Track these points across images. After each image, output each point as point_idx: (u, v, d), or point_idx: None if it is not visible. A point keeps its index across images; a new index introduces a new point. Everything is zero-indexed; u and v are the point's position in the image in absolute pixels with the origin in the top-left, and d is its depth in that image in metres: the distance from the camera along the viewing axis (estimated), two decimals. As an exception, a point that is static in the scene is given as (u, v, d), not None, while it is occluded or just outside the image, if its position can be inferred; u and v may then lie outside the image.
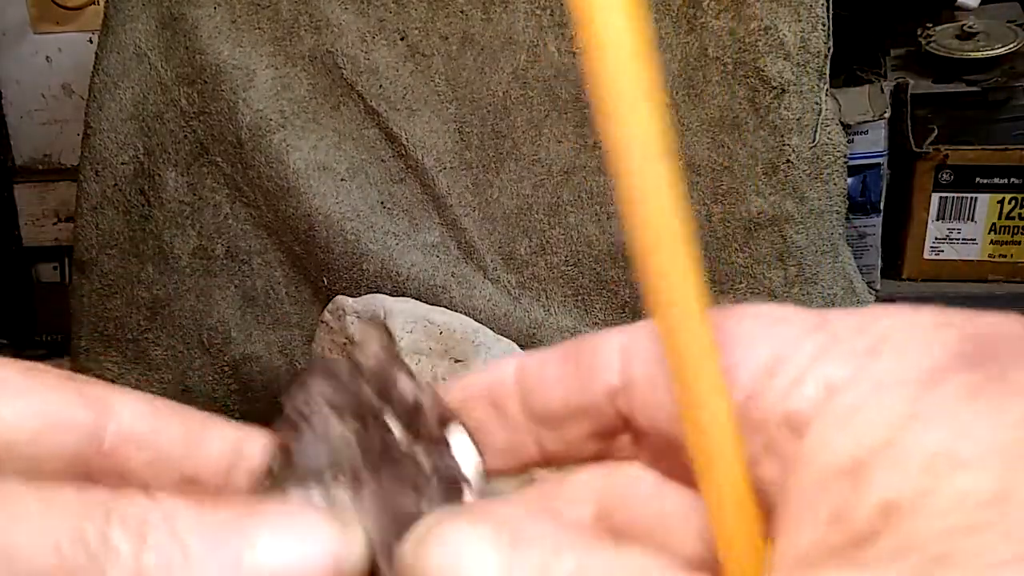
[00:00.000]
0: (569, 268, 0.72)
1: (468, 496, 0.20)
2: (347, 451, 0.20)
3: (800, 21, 0.67)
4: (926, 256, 0.79)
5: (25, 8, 0.98)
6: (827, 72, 0.67)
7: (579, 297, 0.72)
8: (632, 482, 0.19)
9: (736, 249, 0.69)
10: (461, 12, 0.71)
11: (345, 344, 0.67)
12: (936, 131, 0.76)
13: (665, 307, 0.16)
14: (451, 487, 0.20)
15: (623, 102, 0.16)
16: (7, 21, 0.99)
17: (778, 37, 0.67)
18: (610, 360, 0.19)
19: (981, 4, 0.81)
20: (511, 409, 0.20)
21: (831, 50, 0.67)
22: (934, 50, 0.77)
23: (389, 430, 0.20)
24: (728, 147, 0.68)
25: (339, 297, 0.69)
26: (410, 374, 0.21)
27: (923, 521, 0.13)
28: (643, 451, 0.19)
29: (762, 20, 0.67)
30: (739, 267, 0.69)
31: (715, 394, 0.16)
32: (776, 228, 0.68)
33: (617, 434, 0.19)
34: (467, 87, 0.72)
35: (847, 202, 0.70)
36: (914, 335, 0.15)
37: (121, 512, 0.16)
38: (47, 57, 1.00)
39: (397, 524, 0.19)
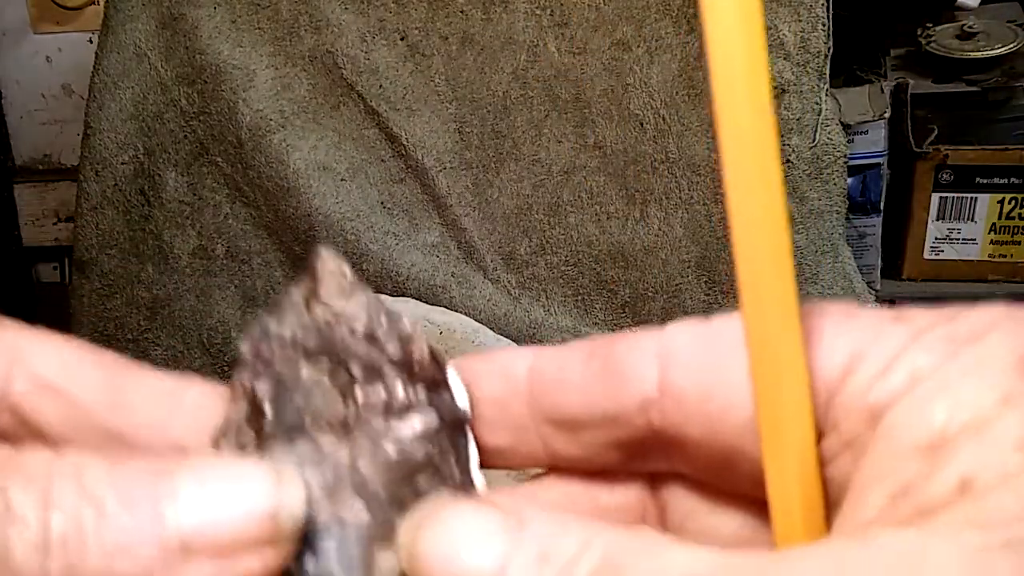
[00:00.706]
0: (569, 268, 0.72)
1: (471, 438, 0.19)
2: (326, 399, 0.19)
3: (800, 21, 0.67)
4: (926, 256, 0.79)
5: (25, 8, 0.98)
6: (827, 72, 0.67)
7: (579, 297, 0.72)
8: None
9: (736, 249, 0.69)
10: (461, 12, 0.71)
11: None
12: (936, 131, 0.76)
13: (760, 301, 0.16)
14: (455, 429, 0.19)
15: (739, 98, 0.15)
16: (7, 21, 0.99)
17: (778, 37, 0.67)
18: (644, 368, 0.17)
19: (981, 4, 0.81)
20: (518, 405, 0.19)
21: (831, 50, 0.67)
22: (934, 50, 0.77)
23: (377, 371, 0.19)
24: (728, 147, 0.68)
25: (339, 297, 0.69)
26: (386, 309, 0.19)
27: (1005, 499, 0.13)
28: (673, 463, 0.18)
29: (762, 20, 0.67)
30: (739, 267, 0.69)
31: (799, 392, 0.16)
32: (776, 228, 0.68)
33: (642, 444, 0.18)
34: (467, 87, 0.72)
35: (847, 202, 0.70)
36: (1001, 324, 0.15)
37: (22, 471, 0.15)
38: (47, 57, 1.00)
39: (400, 472, 0.18)
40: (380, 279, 0.71)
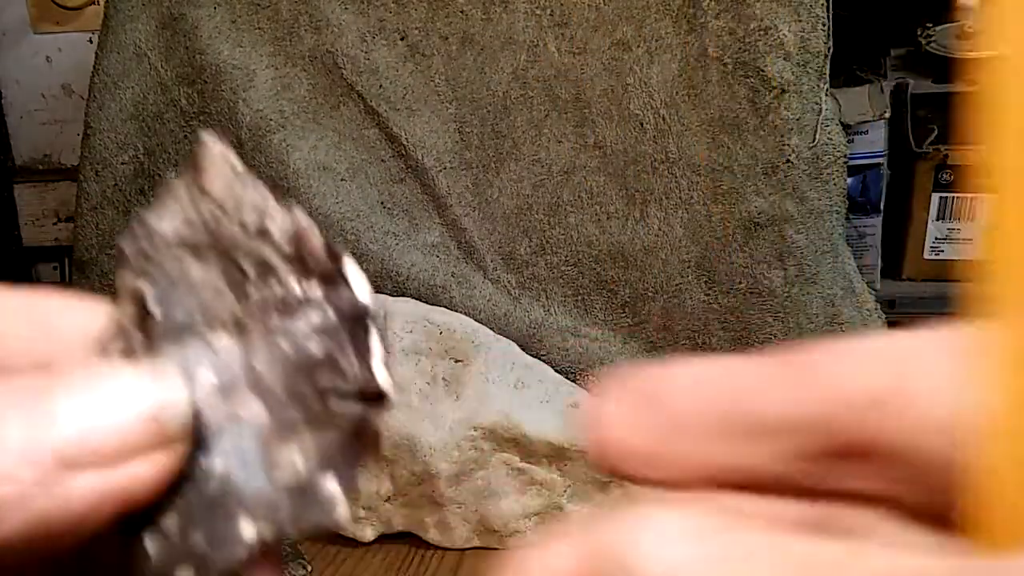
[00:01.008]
0: (569, 268, 0.72)
1: (374, 332, 0.17)
2: (217, 296, 0.18)
3: (800, 21, 0.67)
4: (926, 256, 0.79)
5: (25, 8, 0.98)
6: (827, 72, 0.67)
7: (579, 297, 0.72)
8: None
9: (736, 249, 0.69)
10: (461, 12, 0.71)
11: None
12: (936, 131, 0.76)
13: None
14: (355, 323, 0.17)
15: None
16: (7, 21, 0.99)
17: (778, 37, 0.67)
18: (868, 368, 0.15)
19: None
20: (674, 409, 0.16)
21: (831, 50, 0.67)
22: (934, 50, 0.77)
23: (269, 267, 0.18)
24: (728, 147, 0.68)
25: (339, 297, 0.69)
26: (276, 197, 0.18)
27: None
28: (862, 476, 0.15)
29: (762, 20, 0.67)
30: (739, 267, 0.69)
31: None
32: (776, 228, 0.68)
33: (832, 456, 0.15)
34: (467, 87, 0.72)
35: (847, 202, 0.70)
36: None
37: None
38: (47, 57, 1.00)
39: (298, 369, 0.17)
40: (380, 279, 0.71)
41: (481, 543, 0.66)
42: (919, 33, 0.79)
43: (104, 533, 0.16)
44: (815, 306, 0.70)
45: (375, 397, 0.17)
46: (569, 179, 0.71)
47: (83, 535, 0.15)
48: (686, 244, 0.70)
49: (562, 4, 0.70)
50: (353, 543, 0.66)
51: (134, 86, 0.74)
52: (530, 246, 0.72)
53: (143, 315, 0.18)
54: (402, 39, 0.72)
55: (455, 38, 0.72)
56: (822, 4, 0.67)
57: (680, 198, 0.70)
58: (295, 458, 0.17)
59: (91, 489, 0.15)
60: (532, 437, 0.64)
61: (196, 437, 0.17)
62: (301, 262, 0.18)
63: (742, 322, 0.70)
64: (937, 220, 0.78)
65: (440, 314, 0.67)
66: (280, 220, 0.18)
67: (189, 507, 0.17)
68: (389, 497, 0.65)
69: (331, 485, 0.17)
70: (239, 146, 0.72)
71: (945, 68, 0.78)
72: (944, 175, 0.77)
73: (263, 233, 0.18)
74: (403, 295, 0.70)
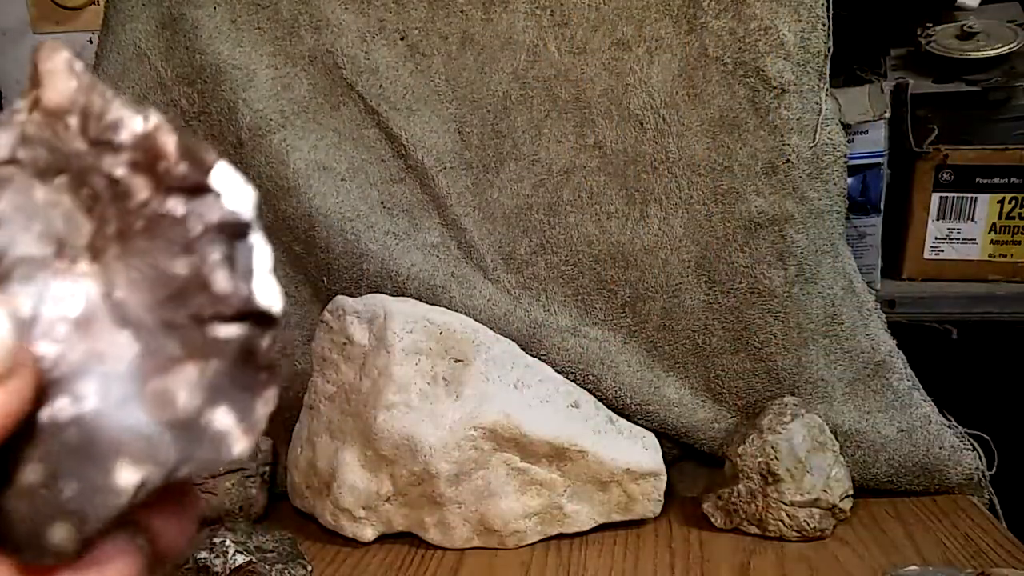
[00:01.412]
0: (569, 268, 0.72)
1: (253, 244, 0.16)
2: (68, 222, 0.16)
3: (800, 21, 0.67)
4: (926, 256, 0.79)
5: (25, 8, 0.98)
6: (827, 72, 0.67)
7: (579, 297, 0.72)
8: None
9: (736, 249, 0.69)
10: (461, 12, 0.71)
11: (344, 342, 0.67)
12: (936, 131, 0.76)
13: None
14: (232, 238, 0.16)
15: None
16: (7, 21, 0.99)
17: (778, 37, 0.67)
18: None
19: (981, 4, 0.81)
20: None
21: (831, 50, 0.67)
22: (934, 50, 0.77)
23: (122, 183, 0.16)
24: (728, 147, 0.68)
25: (339, 297, 0.69)
26: (126, 107, 0.16)
27: None
28: None
29: (762, 20, 0.67)
30: (739, 267, 0.69)
31: None
32: (776, 228, 0.68)
33: None
34: (467, 87, 0.72)
35: (847, 202, 0.70)
36: None
37: None
38: (47, 57, 1.00)
39: (165, 294, 0.15)
40: (380, 279, 0.71)
41: (481, 543, 0.66)
42: (919, 33, 0.79)
43: None
44: (815, 306, 0.70)
45: (260, 317, 0.16)
46: (569, 179, 0.71)
47: None
48: (686, 244, 0.70)
49: (562, 4, 0.70)
50: (353, 543, 0.66)
51: (134, 86, 0.74)
52: (530, 246, 0.72)
53: None
54: (402, 39, 0.72)
55: (455, 38, 0.72)
56: (822, 4, 0.67)
57: (680, 198, 0.70)
58: (176, 393, 0.15)
59: None
60: (532, 437, 0.64)
61: (48, 379, 0.15)
62: (154, 172, 0.16)
63: (742, 322, 0.70)
64: (937, 220, 0.78)
65: (440, 314, 0.67)
66: (132, 129, 0.16)
67: (51, 456, 0.15)
68: (389, 497, 0.65)
69: (222, 418, 0.15)
70: (239, 146, 0.72)
71: (945, 68, 0.78)
72: (944, 175, 0.77)
73: (112, 145, 0.16)
74: (403, 295, 0.70)
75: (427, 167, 0.72)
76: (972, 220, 0.77)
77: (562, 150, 0.71)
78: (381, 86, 0.72)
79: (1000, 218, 0.77)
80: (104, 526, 0.15)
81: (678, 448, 0.73)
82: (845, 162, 0.69)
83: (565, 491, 0.66)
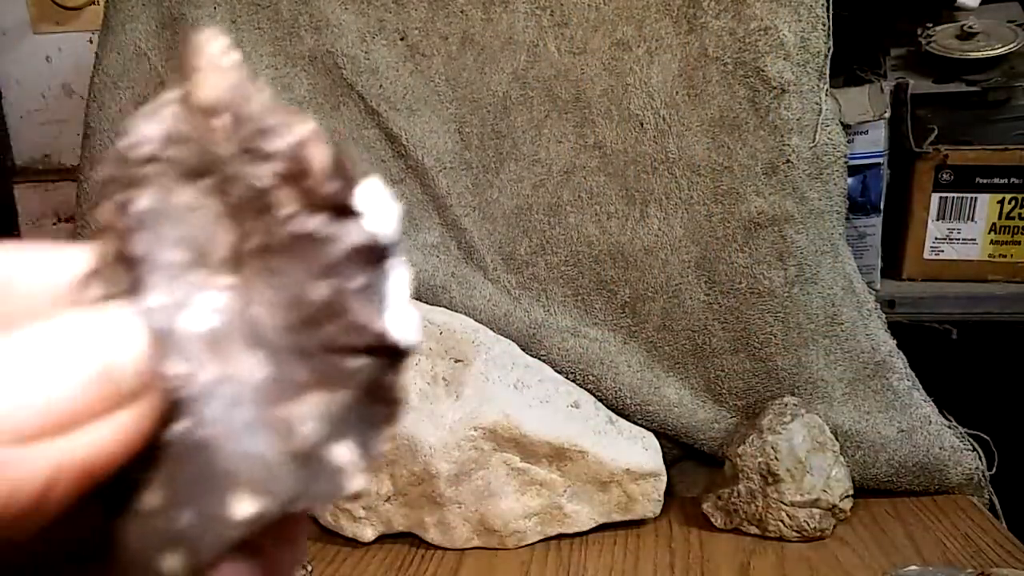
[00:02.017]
0: (569, 268, 0.72)
1: (391, 274, 0.15)
2: (209, 229, 0.15)
3: (800, 21, 0.67)
4: (926, 256, 0.79)
5: (25, 8, 0.98)
6: (827, 72, 0.67)
7: (579, 297, 0.72)
8: None
9: (736, 249, 0.69)
10: (461, 12, 0.71)
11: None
12: (936, 131, 0.76)
13: None
14: (372, 265, 0.15)
15: None
16: (7, 21, 0.99)
17: (778, 37, 0.67)
18: None
19: (981, 4, 0.81)
20: None
21: (831, 50, 0.67)
22: (934, 50, 0.77)
23: (269, 194, 0.15)
24: (728, 147, 0.68)
25: (339, 297, 0.69)
26: (282, 113, 0.15)
27: None
28: None
29: (762, 20, 0.67)
30: (739, 267, 0.69)
31: None
32: (776, 228, 0.68)
33: None
34: (467, 87, 0.72)
35: (847, 202, 0.70)
36: None
37: None
38: (47, 57, 1.00)
39: (302, 317, 0.14)
40: (380, 279, 0.71)
41: (481, 543, 0.66)
42: (919, 33, 0.79)
43: (78, 515, 0.14)
44: (815, 306, 0.70)
45: (392, 351, 0.15)
46: (569, 179, 0.71)
47: (44, 516, 0.13)
48: (686, 244, 0.70)
49: (562, 4, 0.70)
50: (353, 543, 0.66)
51: (134, 86, 0.74)
52: (530, 246, 0.72)
53: (125, 251, 0.15)
54: (402, 39, 0.72)
55: (455, 38, 0.72)
56: (822, 4, 0.67)
57: (680, 198, 0.70)
58: (300, 421, 0.14)
59: (42, 462, 0.13)
60: (532, 437, 0.64)
61: (177, 398, 0.14)
62: (302, 186, 0.15)
63: (742, 322, 0.70)
64: (937, 220, 0.78)
65: (440, 314, 0.67)
66: (284, 138, 0.15)
67: (171, 482, 0.14)
68: (389, 497, 0.65)
69: (343, 453, 0.14)
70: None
71: (945, 68, 0.78)
72: (944, 175, 0.77)
73: (262, 153, 0.15)
74: (403, 295, 0.70)
75: (427, 167, 0.72)
76: (972, 220, 0.77)
77: (562, 150, 0.71)
78: (381, 86, 0.72)
79: (1000, 218, 0.77)
80: (216, 557, 0.14)
81: (678, 448, 0.73)
82: (845, 162, 0.69)
83: (565, 491, 0.66)
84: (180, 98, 0.15)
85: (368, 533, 0.66)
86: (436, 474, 0.63)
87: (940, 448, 0.70)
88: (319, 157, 0.15)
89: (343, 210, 0.15)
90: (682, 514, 0.70)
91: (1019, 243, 0.77)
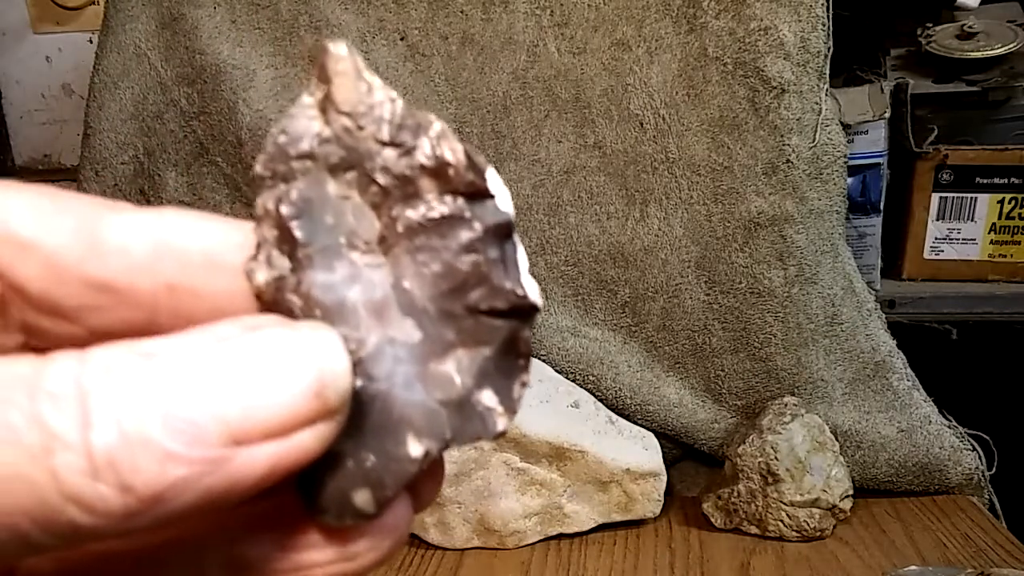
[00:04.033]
0: (569, 268, 0.72)
1: (519, 244, 0.18)
2: (359, 215, 0.17)
3: (800, 21, 0.67)
4: (926, 256, 0.79)
5: (25, 8, 0.98)
6: (827, 72, 0.67)
7: (579, 297, 0.72)
8: None
9: (736, 249, 0.69)
10: (461, 12, 0.71)
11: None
12: (936, 131, 0.76)
13: None
14: (500, 235, 0.17)
15: None
16: (7, 21, 0.99)
17: (778, 37, 0.67)
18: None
19: (981, 4, 0.81)
20: None
21: (831, 50, 0.67)
22: (934, 50, 0.77)
23: (410, 181, 0.17)
24: (728, 147, 0.68)
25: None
26: (412, 110, 0.17)
27: None
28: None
29: (762, 20, 0.67)
30: (739, 267, 0.69)
31: None
32: (776, 228, 0.68)
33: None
34: (467, 87, 0.72)
35: (847, 202, 0.70)
36: None
37: (50, 383, 0.14)
38: (47, 57, 1.00)
39: (448, 286, 0.17)
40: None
41: (481, 543, 0.66)
42: (919, 33, 0.79)
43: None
44: (815, 306, 0.70)
45: (525, 310, 0.17)
46: (569, 179, 0.71)
47: (249, 498, 0.16)
48: (686, 244, 0.70)
49: (562, 4, 0.70)
50: (353, 543, 0.66)
51: (134, 86, 0.74)
52: (530, 246, 0.72)
53: (285, 237, 0.17)
54: (402, 39, 0.72)
55: (455, 38, 0.72)
56: (822, 4, 0.67)
57: (680, 198, 0.70)
58: (452, 375, 0.17)
59: (259, 463, 0.15)
60: (532, 437, 0.64)
61: (357, 362, 0.17)
62: (442, 175, 0.17)
63: (742, 322, 0.70)
64: (937, 220, 0.78)
65: (440, 314, 0.67)
66: (416, 131, 0.17)
67: (359, 431, 0.17)
68: (389, 497, 0.65)
69: (488, 399, 0.17)
70: (239, 146, 0.72)
71: (945, 68, 0.78)
72: (944, 175, 0.77)
73: (400, 146, 0.17)
74: (403, 295, 0.70)
75: (427, 167, 0.72)
76: (972, 220, 0.77)
77: (562, 150, 0.71)
78: (381, 86, 0.72)
79: (1000, 218, 0.77)
80: (396, 491, 0.17)
81: (678, 448, 0.73)
82: (845, 162, 0.69)
83: (565, 491, 0.66)
84: (319, 102, 0.18)
85: (368, 533, 0.66)
86: (436, 474, 0.63)
87: (940, 448, 0.70)
88: (457, 150, 0.17)
89: (478, 195, 0.17)
90: (682, 514, 0.70)
91: (1019, 243, 0.77)
